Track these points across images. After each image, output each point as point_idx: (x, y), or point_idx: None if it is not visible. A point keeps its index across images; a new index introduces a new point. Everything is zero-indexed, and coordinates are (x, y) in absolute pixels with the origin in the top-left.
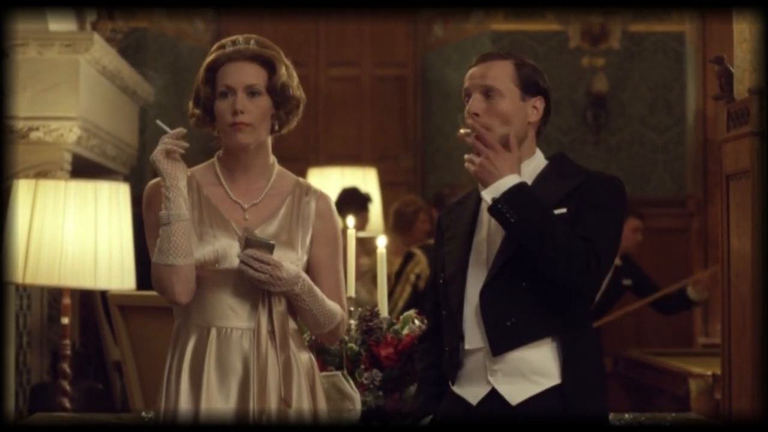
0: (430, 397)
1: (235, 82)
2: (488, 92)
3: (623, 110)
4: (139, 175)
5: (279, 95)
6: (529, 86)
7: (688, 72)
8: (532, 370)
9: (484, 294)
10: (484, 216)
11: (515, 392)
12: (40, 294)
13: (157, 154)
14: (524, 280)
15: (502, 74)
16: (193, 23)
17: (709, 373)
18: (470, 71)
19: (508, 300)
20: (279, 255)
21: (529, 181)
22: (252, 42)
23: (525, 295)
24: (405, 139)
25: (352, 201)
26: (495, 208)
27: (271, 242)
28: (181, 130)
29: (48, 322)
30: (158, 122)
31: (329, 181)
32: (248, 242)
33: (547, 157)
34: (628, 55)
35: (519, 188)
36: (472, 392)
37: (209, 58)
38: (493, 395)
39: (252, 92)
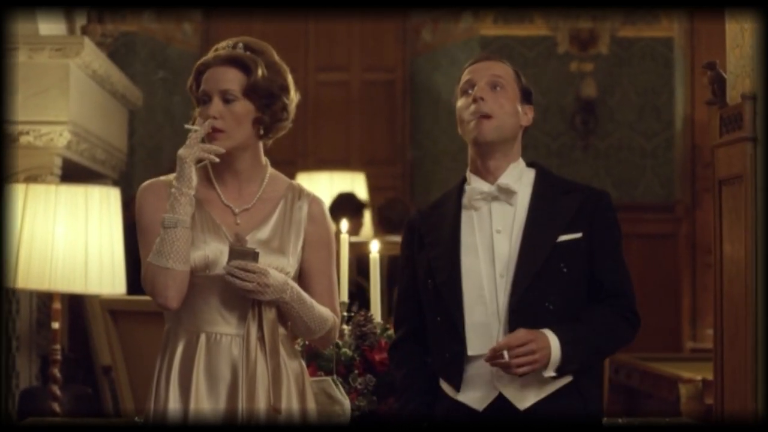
0: (422, 406)
1: (210, 88)
2: (494, 84)
3: (612, 115)
4: (128, 179)
5: (259, 98)
6: (525, 93)
7: (677, 77)
8: (539, 375)
9: (512, 316)
10: (474, 220)
11: (523, 396)
12: (29, 298)
13: (190, 157)
14: (549, 302)
15: (507, 73)
16: (182, 27)
17: (699, 378)
18: (471, 66)
19: (534, 321)
20: (270, 261)
21: (524, 189)
22: (240, 45)
23: (550, 315)
24: (393, 143)
25: (347, 206)
26: (564, 373)
27: (256, 250)
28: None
29: (37, 327)
30: (187, 126)
31: (318, 185)
32: (232, 253)
33: (527, 164)
34: (617, 61)
35: (566, 351)
36: (476, 398)
37: (197, 63)
38: (501, 400)
39: (227, 97)
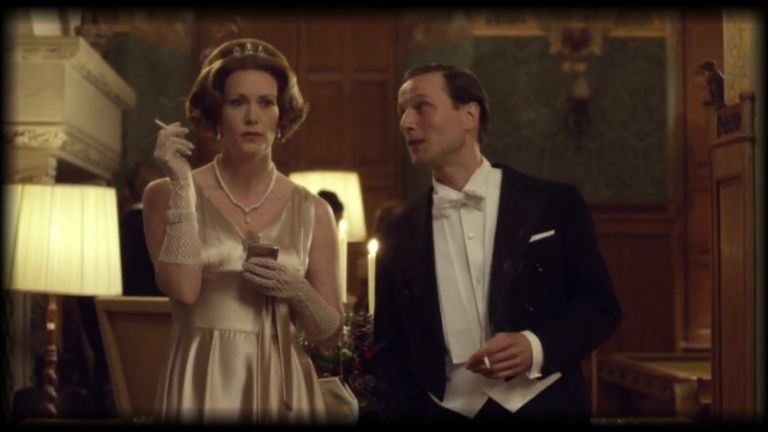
0: (408, 412)
1: (249, 92)
2: (420, 105)
3: (604, 116)
4: (120, 180)
5: (287, 105)
6: (461, 94)
7: (669, 78)
8: (526, 376)
9: (492, 321)
10: (446, 228)
11: (514, 398)
12: (23, 299)
13: (168, 154)
14: (529, 304)
15: (431, 85)
16: (174, 28)
17: (694, 377)
18: (401, 87)
19: (515, 324)
20: (282, 259)
21: (491, 192)
22: (260, 48)
23: (531, 317)
24: (386, 144)
25: (331, 204)
26: (549, 372)
27: (275, 247)
28: (183, 129)
29: (31, 328)
30: (157, 121)
31: (310, 185)
32: (252, 250)
33: (493, 165)
34: (609, 61)
35: (549, 351)
36: (466, 405)
37: (219, 63)
38: (491, 404)
39: (265, 102)
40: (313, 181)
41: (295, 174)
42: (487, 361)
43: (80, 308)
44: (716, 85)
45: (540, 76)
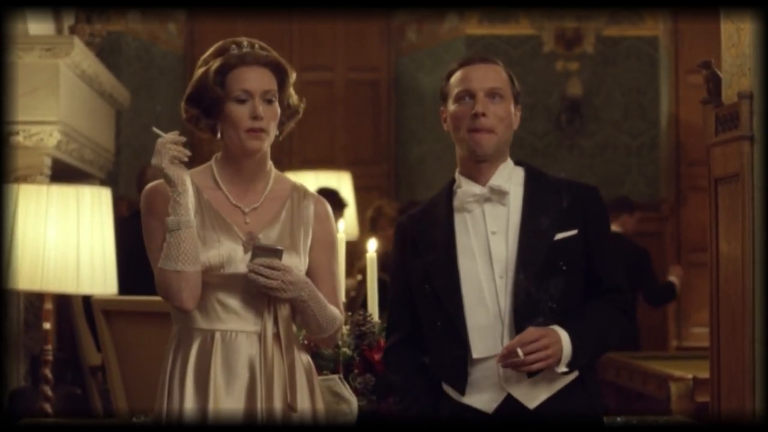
0: (426, 406)
1: (253, 88)
2: (493, 94)
3: (597, 114)
4: (114, 179)
5: (286, 102)
6: (516, 95)
7: (662, 76)
8: (547, 373)
9: (516, 318)
10: (468, 222)
11: (533, 395)
12: (17, 299)
13: (164, 161)
14: (552, 301)
15: (502, 78)
16: (167, 27)
17: (690, 376)
18: (466, 71)
19: (538, 321)
20: (283, 259)
21: (515, 189)
22: (256, 46)
23: (553, 314)
24: (378, 143)
25: (331, 201)
26: (574, 367)
27: (279, 247)
28: (181, 138)
29: (24, 327)
30: (155, 129)
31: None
32: (256, 251)
33: (515, 163)
34: (602, 60)
35: (577, 346)
36: (485, 400)
37: (219, 61)
38: (510, 401)
39: (268, 98)
40: (306, 180)
41: (288, 173)
42: (520, 351)
43: (86, 310)
44: (714, 83)
45: (533, 75)
